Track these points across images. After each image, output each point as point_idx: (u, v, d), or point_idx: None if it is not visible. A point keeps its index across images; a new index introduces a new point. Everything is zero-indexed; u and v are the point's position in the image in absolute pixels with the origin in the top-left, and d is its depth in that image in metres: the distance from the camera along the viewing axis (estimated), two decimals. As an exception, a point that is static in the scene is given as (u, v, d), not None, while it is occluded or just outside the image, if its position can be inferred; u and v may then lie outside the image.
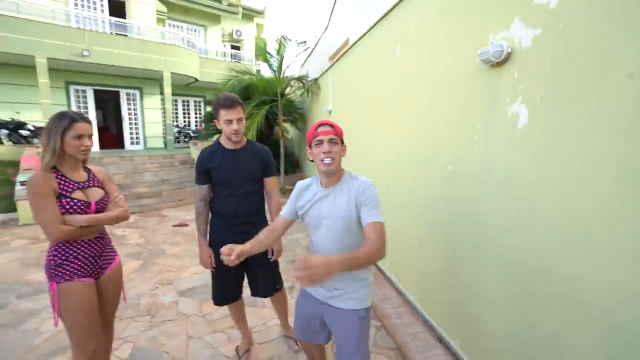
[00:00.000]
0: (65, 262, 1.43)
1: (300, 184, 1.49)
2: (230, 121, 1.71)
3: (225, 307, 2.43)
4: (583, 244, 1.22)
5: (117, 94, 10.17)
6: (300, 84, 7.05)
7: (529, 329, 1.47)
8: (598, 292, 1.18)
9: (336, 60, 4.84)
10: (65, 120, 1.40)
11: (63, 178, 1.44)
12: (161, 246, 4.13)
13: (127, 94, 10.23)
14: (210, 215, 1.91)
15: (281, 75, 7.13)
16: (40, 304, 2.68)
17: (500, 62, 1.57)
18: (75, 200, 1.43)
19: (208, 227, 1.90)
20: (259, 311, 2.56)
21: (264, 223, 1.91)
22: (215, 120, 1.81)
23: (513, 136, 1.54)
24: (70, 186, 1.45)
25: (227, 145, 1.83)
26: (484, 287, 1.75)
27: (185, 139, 11.55)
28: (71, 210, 1.42)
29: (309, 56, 8.83)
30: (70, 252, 1.45)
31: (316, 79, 6.42)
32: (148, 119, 10.60)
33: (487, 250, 1.73)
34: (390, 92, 2.93)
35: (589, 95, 1.19)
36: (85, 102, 9.48)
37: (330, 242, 1.36)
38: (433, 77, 2.21)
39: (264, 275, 1.96)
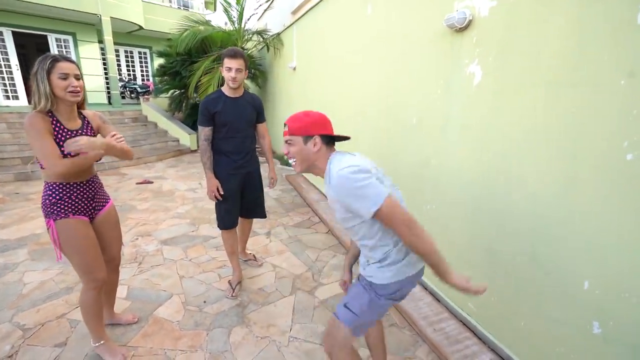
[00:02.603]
0: (59, 201, 1.48)
1: None
2: (230, 69, 2.00)
3: (210, 252, 2.74)
4: (516, 171, 1.63)
5: (44, 38, 8.88)
6: (261, 39, 6.82)
7: (469, 251, 1.92)
8: (532, 216, 1.61)
9: (302, 15, 4.79)
10: (48, 61, 1.38)
11: (58, 124, 1.44)
12: (130, 202, 4.09)
13: (58, 40, 8.99)
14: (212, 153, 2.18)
15: (242, 28, 6.81)
16: (12, 260, 2.64)
17: (463, 27, 1.84)
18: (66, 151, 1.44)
19: (212, 161, 2.17)
20: (243, 253, 2.81)
21: (256, 159, 2.34)
22: (220, 67, 2.09)
23: (469, 92, 1.87)
24: (64, 134, 1.44)
25: (228, 93, 2.10)
26: (443, 222, 2.17)
27: (132, 95, 10.65)
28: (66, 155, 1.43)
29: (267, 9, 8.40)
30: (64, 192, 1.50)
31: (278, 34, 6.26)
32: (86, 71, 9.50)
33: (445, 186, 2.13)
34: (360, 49, 3.11)
35: (527, 57, 1.52)
36: (4, 47, 8.18)
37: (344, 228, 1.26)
38: (402, 37, 2.44)
39: (260, 198, 2.41)
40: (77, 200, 1.53)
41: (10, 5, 7.53)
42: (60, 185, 1.49)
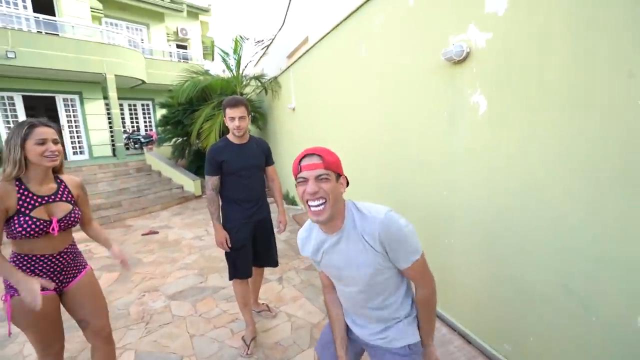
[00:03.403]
0: None
1: (299, 234, 1.24)
2: (233, 118, 2.00)
3: (220, 305, 2.61)
4: (535, 197, 1.55)
5: (52, 99, 9.26)
6: (259, 83, 7.07)
7: (496, 281, 1.79)
8: (547, 239, 1.51)
9: (298, 58, 4.98)
10: (24, 127, 1.32)
11: (25, 192, 1.33)
12: (135, 255, 3.99)
13: (65, 100, 9.36)
14: (220, 201, 2.15)
15: (240, 75, 7.08)
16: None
17: (461, 60, 1.86)
18: (35, 219, 1.32)
19: (220, 212, 2.14)
20: (255, 303, 2.66)
21: (267, 205, 2.28)
22: (223, 118, 2.09)
23: (474, 122, 1.85)
24: (32, 202, 1.33)
25: (234, 140, 2.11)
26: (458, 250, 2.06)
27: (136, 146, 10.89)
28: (29, 230, 1.30)
29: (263, 55, 8.82)
30: (28, 265, 1.36)
31: (276, 77, 6.49)
32: (92, 126, 9.80)
33: (460, 218, 2.04)
34: (356, 89, 3.17)
35: (529, 83, 1.51)
36: (14, 111, 8.51)
37: (356, 292, 1.14)
38: (399, 74, 2.48)
39: (273, 246, 2.33)
40: (41, 274, 1.38)
41: (22, 72, 7.93)
42: (25, 257, 1.36)
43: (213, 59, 16.05)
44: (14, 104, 8.50)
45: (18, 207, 1.31)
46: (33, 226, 1.32)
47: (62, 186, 1.48)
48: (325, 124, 4.15)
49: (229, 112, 1.99)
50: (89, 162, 8.45)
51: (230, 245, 2.08)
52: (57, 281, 1.45)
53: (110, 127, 9.89)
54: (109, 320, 1.63)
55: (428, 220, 2.28)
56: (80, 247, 4.39)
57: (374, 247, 1.01)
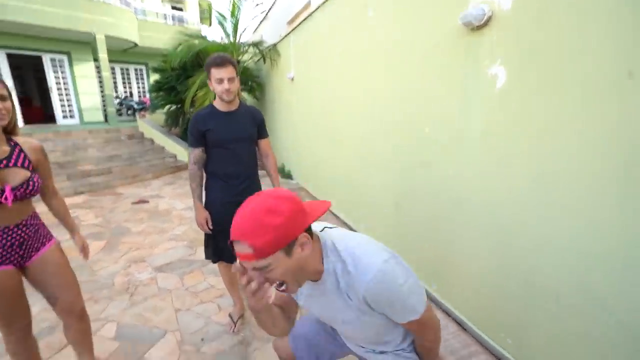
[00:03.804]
0: None
1: None
2: (221, 80, 1.72)
3: (208, 279, 2.49)
4: (553, 195, 1.41)
5: (38, 59, 8.80)
6: (257, 50, 6.71)
7: (505, 274, 1.69)
8: (564, 234, 1.39)
9: (299, 24, 4.66)
10: None
11: None
12: (124, 224, 3.87)
13: (53, 60, 8.90)
14: (204, 177, 1.93)
15: (237, 41, 6.70)
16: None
17: (481, 25, 1.66)
18: None
19: (203, 189, 1.91)
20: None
21: (258, 182, 2.03)
22: (208, 81, 1.78)
23: (491, 96, 1.68)
24: None
25: (220, 107, 1.84)
26: (465, 242, 1.95)
27: (129, 112, 10.54)
28: None
29: (262, 20, 8.33)
30: None
31: (275, 45, 6.14)
32: (82, 89, 9.41)
33: (464, 207, 1.91)
34: (362, 59, 2.94)
35: (563, 57, 1.33)
36: (-1, 69, 8.09)
37: (351, 336, 1.03)
38: (409, 40, 2.26)
39: None
40: None
41: (5, 27, 7.45)
42: None
43: (210, 24, 15.17)
44: (-2, 62, 8.07)
45: None
46: None
47: (17, 149, 1.29)
48: (325, 96, 3.92)
49: (215, 72, 1.70)
50: (79, 127, 8.17)
51: (211, 227, 1.88)
52: (16, 256, 1.30)
53: (102, 92, 9.50)
54: (80, 295, 1.49)
55: (437, 202, 2.14)
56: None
57: (361, 308, 0.85)
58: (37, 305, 2.27)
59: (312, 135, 4.54)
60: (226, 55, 1.75)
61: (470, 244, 1.90)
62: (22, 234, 1.31)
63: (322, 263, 0.85)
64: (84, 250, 1.57)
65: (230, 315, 2.09)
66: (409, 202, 2.44)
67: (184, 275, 2.66)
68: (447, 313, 2.10)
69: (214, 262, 2.00)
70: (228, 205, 1.84)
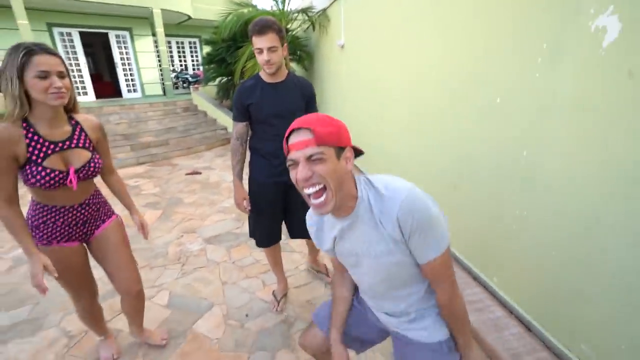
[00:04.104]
0: (42, 225, 1.23)
1: (309, 226, 1.08)
2: (260, 50, 1.54)
3: (254, 254, 2.49)
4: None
5: (105, 36, 9.41)
6: (306, 17, 6.40)
7: (583, 272, 1.40)
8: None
9: (350, -16, 4.27)
10: (20, 54, 1.03)
11: (35, 137, 1.13)
12: (178, 195, 4.08)
13: (117, 36, 9.45)
14: (248, 153, 1.82)
15: (285, 7, 6.44)
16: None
17: (590, -39, 1.27)
18: (48, 170, 1.13)
19: (244, 166, 1.81)
20: (289, 256, 2.54)
21: None
22: (253, 50, 1.62)
23: (594, 57, 1.31)
24: (44, 149, 1.14)
25: (266, 79, 1.67)
26: (530, 224, 1.66)
27: (184, 85, 11.01)
28: (42, 182, 1.13)
29: (312, -16, 7.89)
30: (49, 216, 1.24)
31: (324, 10, 5.78)
32: (142, 64, 9.95)
33: (538, 193, 1.60)
34: (416, 13, 2.56)
35: None
36: (73, 47, 8.79)
37: (376, 282, 0.98)
38: (484, -8, 1.88)
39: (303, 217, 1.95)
40: (63, 226, 1.27)
41: (77, 7, 7.99)
42: (45, 208, 1.23)
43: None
44: (72, 40, 8.76)
45: (28, 154, 1.11)
46: (47, 178, 1.14)
47: (78, 129, 1.27)
48: (376, 63, 3.60)
49: (256, 41, 1.52)
50: (141, 100, 8.71)
51: (250, 208, 1.80)
52: (80, 233, 1.35)
53: (160, 66, 9.97)
54: (136, 277, 1.51)
55: (503, 185, 1.85)
56: (130, 182, 4.63)
57: (393, 235, 0.84)
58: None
59: (360, 107, 4.27)
60: (268, 20, 1.53)
61: (541, 234, 1.61)
62: (86, 213, 1.34)
63: (357, 192, 0.87)
64: (143, 229, 1.56)
65: (273, 294, 2.08)
66: (469, 185, 2.15)
67: (231, 249, 2.72)
68: (510, 310, 1.86)
69: (267, 246, 1.93)
70: (266, 186, 1.77)
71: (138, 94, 10.12)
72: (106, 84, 11.14)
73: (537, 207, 1.65)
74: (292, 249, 2.63)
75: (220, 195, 4.01)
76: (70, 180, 1.20)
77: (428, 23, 2.45)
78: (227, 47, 6.98)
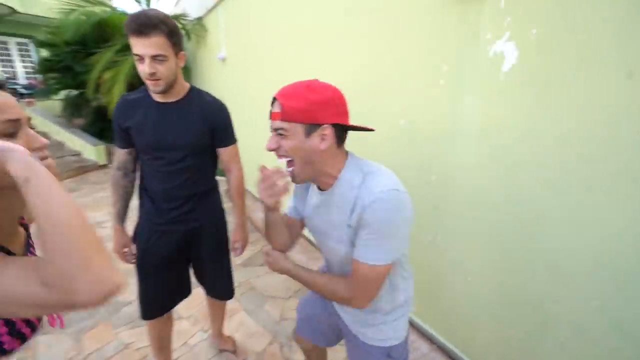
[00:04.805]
0: None
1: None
2: (141, 58, 1.09)
3: (120, 335, 1.84)
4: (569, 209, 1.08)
5: None
6: (180, 25, 5.66)
7: (502, 299, 1.37)
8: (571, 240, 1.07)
9: (228, -8, 3.89)
10: None
11: None
12: None
13: None
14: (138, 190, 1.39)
15: (151, 11, 5.56)
16: None
17: (485, -15, 1.25)
18: None
19: (128, 204, 1.40)
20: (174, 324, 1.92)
21: (211, 206, 1.43)
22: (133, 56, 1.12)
23: (494, 81, 1.29)
24: None
25: (155, 95, 1.21)
26: (442, 249, 1.59)
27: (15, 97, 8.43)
28: None
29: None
30: None
31: (200, 18, 5.21)
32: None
33: (455, 211, 1.54)
34: (316, 31, 2.38)
35: (605, 28, 0.97)
36: None
37: (334, 266, 0.98)
38: (378, 8, 1.78)
39: (222, 270, 1.52)
40: None
41: None
42: None
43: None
44: None
45: None
46: None
47: None
48: (268, 79, 3.29)
49: (134, 43, 1.08)
50: None
51: (135, 261, 1.36)
52: None
53: (-31, 71, 7.37)
54: None
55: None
56: None
57: (352, 224, 0.81)
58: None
59: (250, 126, 3.89)
60: (155, 15, 1.08)
61: (451, 255, 1.54)
62: None
63: (339, 172, 0.85)
64: None
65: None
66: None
67: (83, 334, 1.90)
68: (436, 343, 1.75)
69: (146, 318, 1.41)
70: (159, 234, 1.30)
71: None
72: None
73: (447, 233, 1.59)
74: (179, 315, 2.02)
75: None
76: None
77: (327, 35, 2.28)
78: (72, 53, 5.57)
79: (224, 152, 1.38)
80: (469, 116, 1.40)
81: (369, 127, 0.85)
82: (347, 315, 1.04)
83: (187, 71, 6.24)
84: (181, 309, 2.03)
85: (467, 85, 1.39)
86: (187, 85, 1.27)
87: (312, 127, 0.77)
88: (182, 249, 1.37)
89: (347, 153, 0.88)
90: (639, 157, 0.94)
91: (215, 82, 4.94)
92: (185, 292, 1.50)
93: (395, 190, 0.77)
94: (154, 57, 1.08)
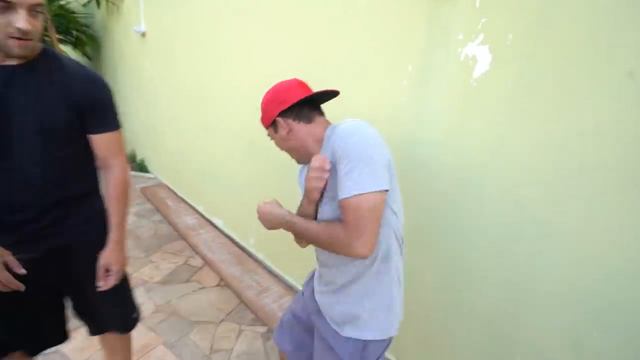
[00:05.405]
0: None
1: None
2: (8, 6, 0.76)
3: None
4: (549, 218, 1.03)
5: None
6: (85, -14, 4.70)
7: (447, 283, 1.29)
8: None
9: (151, -45, 3.28)
10: None
11: None
12: None
13: None
14: None
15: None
16: None
17: (460, -21, 1.12)
18: None
19: None
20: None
21: (85, 213, 1.07)
22: None
23: (464, 87, 1.18)
24: None
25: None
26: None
27: None
28: None
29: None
30: None
31: (113, -17, 4.37)
32: None
33: (418, 226, 1.42)
34: (261, 16, 2.06)
35: (586, 33, 0.91)
36: None
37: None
38: (341, 2, 1.57)
39: (121, 293, 1.17)
40: None
41: None
42: None
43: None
44: None
45: None
46: None
47: None
48: (199, 61, 2.84)
49: None
50: None
51: None
52: None
53: None
54: None
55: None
56: None
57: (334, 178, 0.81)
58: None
59: (177, 113, 3.36)
60: None
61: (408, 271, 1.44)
62: None
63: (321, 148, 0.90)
64: None
65: None
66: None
67: None
68: None
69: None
70: None
71: None
72: None
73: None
74: (64, 355, 1.53)
75: None
76: None
77: (276, 21, 1.97)
78: None
79: (99, 141, 1.02)
80: (433, 124, 1.29)
81: (330, 89, 0.92)
82: (322, 295, 1.00)
83: (94, 41, 5.27)
84: (69, 351, 1.55)
85: (433, 89, 1.27)
86: (41, 47, 0.90)
87: (273, 125, 0.93)
88: (42, 277, 0.99)
89: (327, 125, 0.93)
90: (611, 176, 0.90)
91: (133, 60, 4.20)
92: (54, 337, 1.13)
93: (356, 121, 0.83)
94: (33, 7, 0.78)
